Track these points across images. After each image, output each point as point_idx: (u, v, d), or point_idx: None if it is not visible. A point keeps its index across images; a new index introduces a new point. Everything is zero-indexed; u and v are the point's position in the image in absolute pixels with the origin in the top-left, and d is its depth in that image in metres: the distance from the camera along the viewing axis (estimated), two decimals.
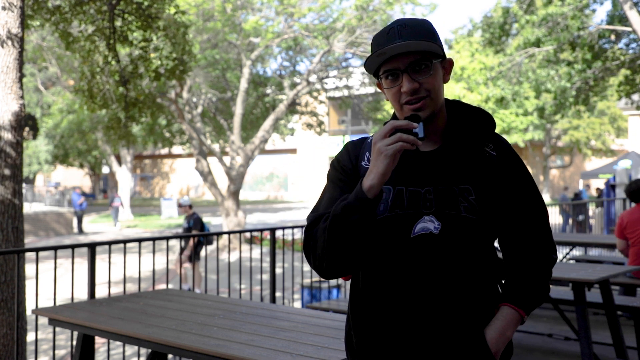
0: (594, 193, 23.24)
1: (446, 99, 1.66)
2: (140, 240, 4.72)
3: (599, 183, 27.96)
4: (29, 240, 20.12)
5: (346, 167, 1.65)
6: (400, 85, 1.55)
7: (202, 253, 11.02)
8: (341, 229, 1.48)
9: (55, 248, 4.17)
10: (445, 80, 1.62)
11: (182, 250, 9.77)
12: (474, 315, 1.56)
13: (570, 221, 16.31)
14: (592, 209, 16.61)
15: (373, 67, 1.59)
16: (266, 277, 11.55)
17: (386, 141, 1.44)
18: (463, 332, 1.54)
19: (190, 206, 10.31)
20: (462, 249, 1.54)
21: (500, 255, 1.77)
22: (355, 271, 1.64)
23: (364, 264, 1.62)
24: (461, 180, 1.56)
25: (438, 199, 1.54)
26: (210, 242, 10.40)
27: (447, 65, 1.62)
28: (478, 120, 1.64)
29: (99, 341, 7.48)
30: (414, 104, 1.54)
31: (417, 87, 1.53)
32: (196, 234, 5.05)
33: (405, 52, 1.52)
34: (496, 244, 1.74)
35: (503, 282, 1.67)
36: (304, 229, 1.62)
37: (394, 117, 1.67)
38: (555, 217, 13.39)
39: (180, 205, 10.34)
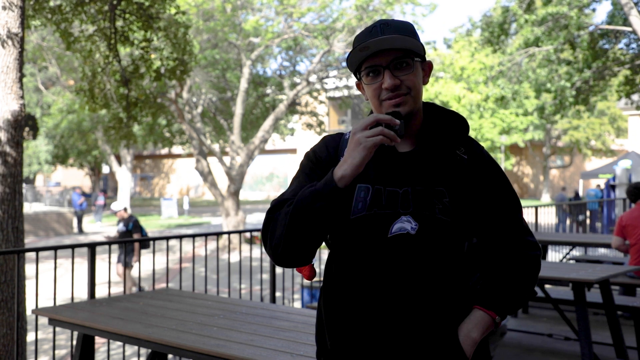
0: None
1: (423, 102, 1.67)
2: (140, 240, 4.72)
3: (599, 183, 27.93)
4: (29, 240, 20.13)
5: (321, 158, 1.64)
6: (381, 81, 1.56)
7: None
8: (304, 215, 1.45)
9: (55, 248, 4.17)
10: (425, 82, 1.63)
11: (125, 257, 9.20)
12: (448, 315, 1.57)
13: (568, 221, 16.28)
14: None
15: (355, 63, 1.59)
16: (266, 277, 11.55)
17: (367, 132, 1.43)
18: (437, 333, 1.55)
19: (125, 209, 10.10)
20: (437, 249, 1.55)
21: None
22: (307, 263, 1.60)
23: (339, 263, 1.61)
24: (436, 182, 1.57)
25: (415, 200, 1.55)
26: (147, 247, 10.08)
27: (427, 67, 1.64)
28: (451, 123, 1.65)
29: (99, 341, 7.49)
30: (395, 99, 1.55)
31: (398, 84, 1.54)
32: (196, 233, 5.05)
33: (387, 49, 1.53)
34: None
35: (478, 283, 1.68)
36: (266, 212, 1.58)
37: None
38: (552, 217, 13.34)
39: (114, 212, 10.02)
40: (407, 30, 1.56)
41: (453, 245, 1.58)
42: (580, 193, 23.24)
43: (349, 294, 1.59)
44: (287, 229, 1.48)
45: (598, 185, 22.59)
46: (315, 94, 21.45)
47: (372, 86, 1.58)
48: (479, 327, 1.57)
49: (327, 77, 18.77)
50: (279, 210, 1.53)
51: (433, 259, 1.55)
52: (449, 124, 1.65)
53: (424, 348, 1.54)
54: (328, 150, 1.66)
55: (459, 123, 1.66)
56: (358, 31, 15.85)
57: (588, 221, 14.00)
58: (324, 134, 25.27)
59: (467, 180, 1.60)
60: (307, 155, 1.69)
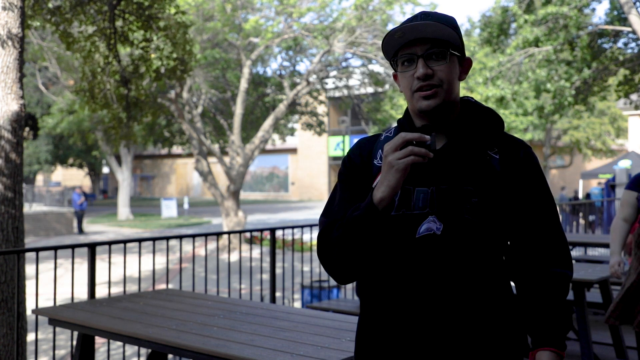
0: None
1: (460, 97, 1.63)
2: (140, 240, 4.72)
3: (599, 181, 27.88)
4: (29, 240, 20.12)
5: (357, 164, 1.65)
6: (414, 70, 1.53)
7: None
8: (353, 242, 1.50)
9: (55, 248, 4.18)
10: (461, 79, 1.60)
11: None
12: (480, 316, 1.53)
13: (575, 222, 16.23)
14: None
15: (391, 49, 1.56)
16: (266, 277, 11.55)
17: (397, 154, 1.42)
18: (469, 334, 1.52)
19: None
20: (464, 250, 1.51)
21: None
22: (367, 274, 1.64)
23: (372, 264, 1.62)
24: (465, 181, 1.53)
25: (440, 199, 1.52)
26: None
27: (465, 64, 1.61)
28: (485, 121, 1.61)
29: (99, 341, 7.49)
30: (426, 90, 1.52)
31: (430, 74, 1.51)
32: (196, 233, 5.04)
33: (423, 39, 1.51)
34: None
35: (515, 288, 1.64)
36: (317, 235, 1.63)
37: (405, 117, 1.65)
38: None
39: None
40: (446, 21, 1.54)
41: (483, 245, 1.53)
42: (580, 193, 23.14)
43: (380, 296, 1.59)
44: (341, 257, 1.53)
45: (599, 183, 22.49)
46: (315, 94, 21.44)
47: (406, 74, 1.55)
48: None
49: (327, 77, 18.77)
50: (330, 235, 1.56)
51: (461, 260, 1.52)
52: (482, 121, 1.61)
53: (456, 351, 1.52)
54: (362, 154, 1.66)
55: (494, 121, 1.62)
56: (358, 31, 15.88)
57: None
58: (325, 134, 25.31)
59: (498, 181, 1.55)
60: (343, 161, 1.70)
